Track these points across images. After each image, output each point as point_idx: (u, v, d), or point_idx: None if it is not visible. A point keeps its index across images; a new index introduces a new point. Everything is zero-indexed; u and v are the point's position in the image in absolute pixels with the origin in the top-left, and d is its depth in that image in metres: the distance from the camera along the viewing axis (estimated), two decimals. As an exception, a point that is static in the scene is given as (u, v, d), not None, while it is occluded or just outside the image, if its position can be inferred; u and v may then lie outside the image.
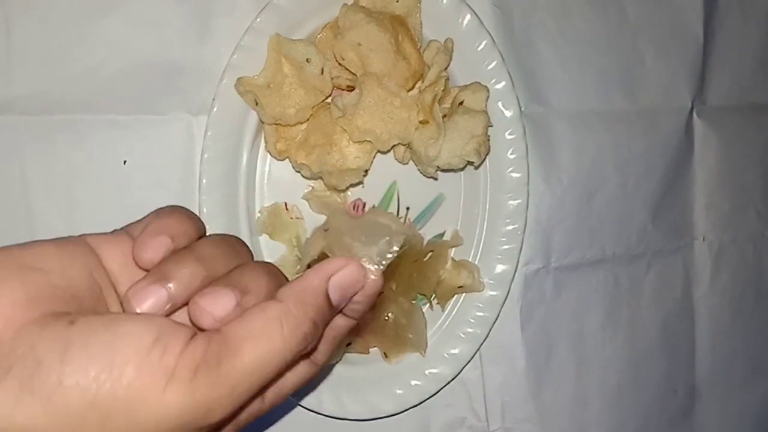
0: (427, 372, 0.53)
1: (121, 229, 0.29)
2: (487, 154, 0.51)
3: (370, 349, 0.53)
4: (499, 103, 0.52)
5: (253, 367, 0.25)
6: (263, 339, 0.25)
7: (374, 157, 0.51)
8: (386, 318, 0.53)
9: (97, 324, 0.23)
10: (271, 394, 0.30)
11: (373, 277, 0.29)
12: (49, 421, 0.22)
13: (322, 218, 0.43)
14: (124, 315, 0.25)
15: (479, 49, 0.51)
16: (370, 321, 0.52)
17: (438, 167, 0.50)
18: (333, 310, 0.29)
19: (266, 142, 0.50)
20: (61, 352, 0.22)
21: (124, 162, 0.49)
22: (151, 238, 0.28)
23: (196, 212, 0.48)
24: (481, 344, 0.54)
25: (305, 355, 0.29)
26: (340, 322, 0.31)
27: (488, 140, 0.50)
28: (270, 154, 0.50)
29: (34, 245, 0.26)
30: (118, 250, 0.28)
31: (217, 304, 0.26)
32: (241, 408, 0.27)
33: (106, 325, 0.23)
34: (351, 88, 0.50)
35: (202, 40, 0.50)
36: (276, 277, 0.29)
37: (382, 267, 0.30)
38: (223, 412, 0.24)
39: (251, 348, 0.25)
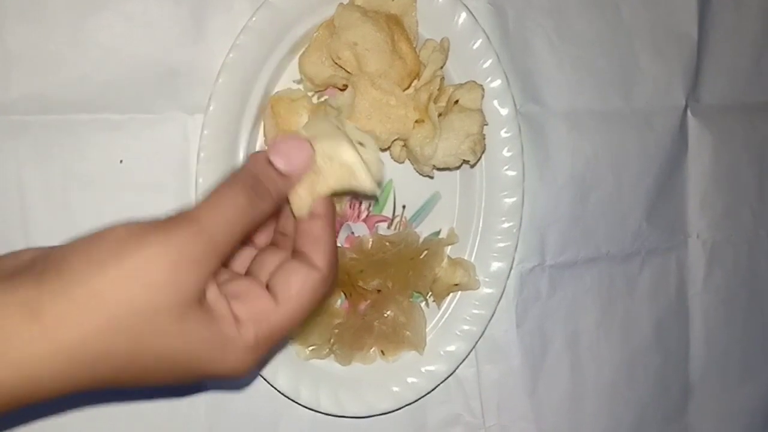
0: (423, 369, 0.53)
1: None
2: (483, 153, 0.51)
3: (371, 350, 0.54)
4: (495, 102, 0.52)
5: (214, 210, 0.31)
6: (216, 193, 0.32)
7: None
8: (385, 315, 0.53)
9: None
10: (282, 297, 0.34)
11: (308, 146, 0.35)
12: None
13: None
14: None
15: (474, 47, 0.51)
16: (369, 319, 0.53)
17: (434, 166, 0.50)
18: (282, 176, 0.34)
19: (265, 137, 0.50)
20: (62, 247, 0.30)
21: (120, 162, 0.49)
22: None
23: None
24: (477, 342, 0.54)
25: (273, 215, 0.35)
26: (314, 226, 0.36)
27: (484, 139, 0.50)
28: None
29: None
30: None
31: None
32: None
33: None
34: (347, 88, 0.50)
35: (198, 39, 0.50)
36: None
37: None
38: (199, 247, 0.30)
39: (207, 201, 0.32)
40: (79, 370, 0.29)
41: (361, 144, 0.36)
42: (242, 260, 0.38)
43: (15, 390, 0.28)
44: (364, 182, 0.35)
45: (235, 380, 0.32)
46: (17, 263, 0.31)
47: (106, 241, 0.29)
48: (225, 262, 0.34)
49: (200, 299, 0.31)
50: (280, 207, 0.36)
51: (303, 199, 0.35)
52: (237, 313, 0.33)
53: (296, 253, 0.36)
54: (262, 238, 0.40)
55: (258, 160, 0.35)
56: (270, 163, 0.35)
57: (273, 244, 0.38)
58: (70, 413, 0.49)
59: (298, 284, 0.34)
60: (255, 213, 0.33)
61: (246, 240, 0.38)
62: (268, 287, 0.35)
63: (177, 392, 0.51)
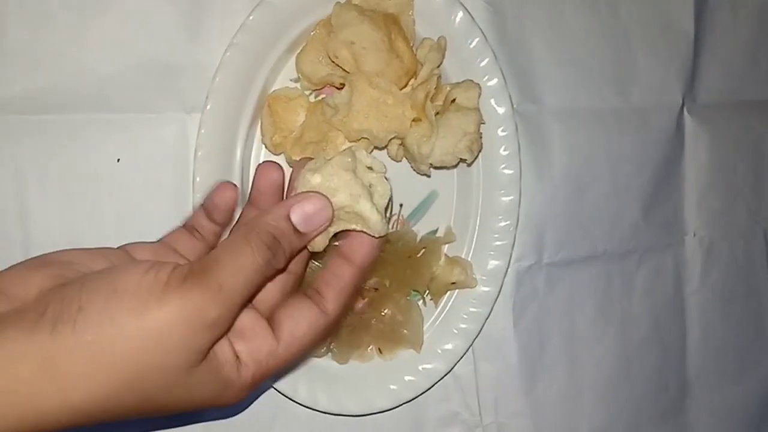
0: (420, 368, 0.54)
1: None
2: (480, 152, 0.51)
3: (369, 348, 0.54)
4: (492, 101, 0.52)
5: (233, 270, 0.30)
6: (235, 251, 0.31)
7: (370, 153, 0.51)
8: (383, 314, 0.53)
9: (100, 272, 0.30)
10: (286, 337, 0.34)
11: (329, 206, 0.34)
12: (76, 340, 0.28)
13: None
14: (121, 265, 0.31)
15: (471, 46, 0.52)
16: (367, 317, 0.53)
17: (431, 164, 0.50)
18: (300, 234, 0.34)
19: (263, 135, 0.50)
20: (78, 291, 0.29)
21: (118, 160, 0.49)
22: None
23: (190, 210, 0.48)
24: (474, 340, 0.54)
25: (280, 270, 0.34)
26: (345, 270, 0.36)
27: (480, 137, 0.50)
28: (266, 147, 0.50)
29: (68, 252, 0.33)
30: (149, 249, 0.35)
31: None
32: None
33: (107, 271, 0.30)
34: (344, 86, 0.50)
35: (195, 38, 0.50)
36: None
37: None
38: (216, 310, 0.29)
39: (227, 258, 0.31)
40: (85, 420, 0.29)
41: (370, 168, 0.37)
42: None
43: None
44: (375, 228, 0.35)
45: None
46: (26, 292, 0.30)
47: (125, 295, 0.29)
48: None
49: (207, 351, 0.31)
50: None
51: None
52: (239, 352, 0.33)
53: (311, 290, 0.36)
54: None
55: (278, 218, 0.33)
56: (288, 218, 0.34)
57: None
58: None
59: (305, 327, 0.34)
60: (270, 272, 0.32)
61: None
62: (272, 319, 0.34)
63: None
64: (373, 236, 0.35)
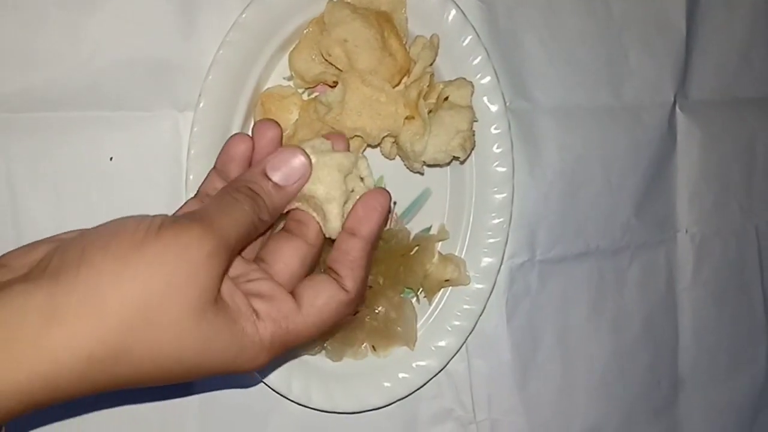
0: (414, 365, 0.54)
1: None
2: (473, 149, 0.51)
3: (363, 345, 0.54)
4: (485, 98, 0.52)
5: (220, 214, 0.32)
6: (220, 201, 0.33)
7: (363, 151, 0.51)
8: (376, 311, 0.53)
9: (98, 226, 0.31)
10: (306, 306, 0.34)
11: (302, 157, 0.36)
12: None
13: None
14: None
15: (464, 44, 0.52)
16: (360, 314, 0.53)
17: (424, 162, 0.50)
18: (279, 188, 0.35)
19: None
20: (79, 241, 0.30)
21: (111, 159, 0.49)
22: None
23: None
24: (468, 337, 0.54)
25: (267, 225, 0.35)
26: (352, 244, 0.36)
27: (473, 135, 0.50)
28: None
29: None
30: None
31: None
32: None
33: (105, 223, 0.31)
34: (337, 84, 0.50)
35: (188, 36, 0.50)
36: None
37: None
38: (211, 242, 0.30)
39: (213, 206, 0.33)
40: (98, 371, 0.29)
41: (361, 179, 0.38)
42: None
43: (33, 396, 0.28)
44: (329, 231, 0.36)
45: (240, 375, 0.33)
46: (30, 260, 0.31)
47: (124, 234, 0.29)
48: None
49: (216, 298, 0.31)
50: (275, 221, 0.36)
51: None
52: (257, 308, 0.33)
53: (328, 269, 0.36)
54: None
55: (254, 174, 0.35)
56: (265, 174, 0.35)
57: (287, 230, 0.38)
58: (62, 411, 0.49)
59: (324, 298, 0.34)
60: (256, 221, 0.34)
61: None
62: (293, 293, 0.35)
63: (167, 394, 0.51)
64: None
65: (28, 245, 0.33)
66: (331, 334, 0.52)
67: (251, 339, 0.32)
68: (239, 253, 0.35)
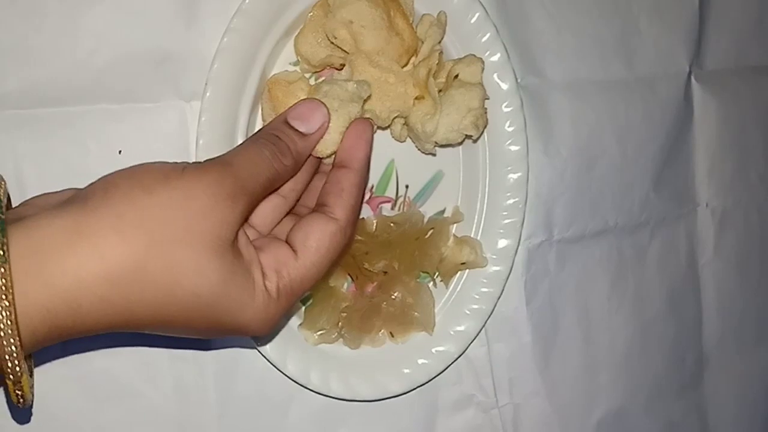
0: (433, 350, 0.53)
1: None
2: (485, 127, 0.50)
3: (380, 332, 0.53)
4: (495, 76, 0.51)
5: (242, 159, 0.34)
6: (242, 149, 0.36)
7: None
8: (393, 297, 0.52)
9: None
10: (300, 248, 0.36)
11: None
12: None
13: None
14: None
15: (472, 21, 0.51)
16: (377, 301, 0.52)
17: (436, 143, 0.50)
18: (302, 135, 0.38)
19: (264, 120, 0.49)
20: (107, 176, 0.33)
21: (119, 152, 0.49)
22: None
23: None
24: (487, 320, 0.54)
25: (292, 172, 0.37)
26: (342, 175, 0.38)
27: (486, 113, 0.49)
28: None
29: None
30: None
31: None
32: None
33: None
34: (344, 67, 0.49)
35: (191, 24, 0.49)
36: None
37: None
38: (232, 184, 0.32)
39: (236, 153, 0.35)
40: (117, 294, 0.29)
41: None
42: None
43: (57, 316, 0.29)
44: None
45: (253, 335, 0.33)
46: (57, 200, 0.33)
47: (151, 170, 0.32)
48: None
49: (234, 242, 0.32)
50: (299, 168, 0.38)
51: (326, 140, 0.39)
52: (261, 261, 0.34)
53: (317, 206, 0.37)
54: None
55: (277, 122, 0.38)
56: (288, 124, 0.37)
57: (295, 214, 0.40)
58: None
59: (316, 235, 0.36)
60: (278, 166, 0.35)
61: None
62: (287, 242, 0.36)
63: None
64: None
65: (55, 192, 0.35)
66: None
67: (261, 290, 0.33)
68: (262, 200, 0.36)
